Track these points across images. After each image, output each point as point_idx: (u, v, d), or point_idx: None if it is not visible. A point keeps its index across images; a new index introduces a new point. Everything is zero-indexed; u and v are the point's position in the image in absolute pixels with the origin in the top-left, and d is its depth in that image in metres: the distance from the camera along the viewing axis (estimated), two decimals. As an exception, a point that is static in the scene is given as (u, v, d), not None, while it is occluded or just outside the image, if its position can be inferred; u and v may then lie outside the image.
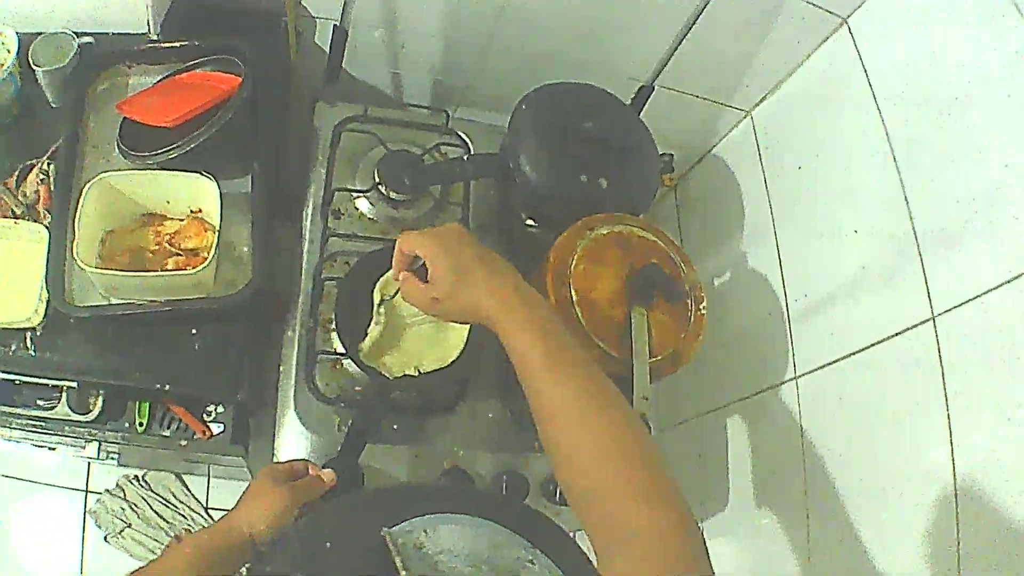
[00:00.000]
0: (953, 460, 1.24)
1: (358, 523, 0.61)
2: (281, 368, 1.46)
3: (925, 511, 1.28)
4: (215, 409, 1.69)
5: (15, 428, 1.61)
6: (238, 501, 1.08)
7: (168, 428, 1.65)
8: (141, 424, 1.62)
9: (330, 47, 1.52)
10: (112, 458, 1.72)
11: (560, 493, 1.47)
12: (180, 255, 1.44)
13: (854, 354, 1.47)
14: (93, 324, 1.39)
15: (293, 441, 1.41)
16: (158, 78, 1.49)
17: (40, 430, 1.59)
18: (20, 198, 1.42)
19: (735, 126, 1.86)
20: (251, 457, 1.68)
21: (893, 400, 1.38)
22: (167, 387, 1.42)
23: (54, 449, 1.72)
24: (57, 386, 1.61)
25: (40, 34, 1.43)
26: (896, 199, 1.41)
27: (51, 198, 1.42)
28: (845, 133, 1.57)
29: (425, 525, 0.58)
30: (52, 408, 1.59)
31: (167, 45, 1.48)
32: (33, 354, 1.39)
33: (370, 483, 1.40)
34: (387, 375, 1.35)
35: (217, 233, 1.37)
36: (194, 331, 1.43)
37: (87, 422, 1.58)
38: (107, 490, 2.19)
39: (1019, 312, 1.17)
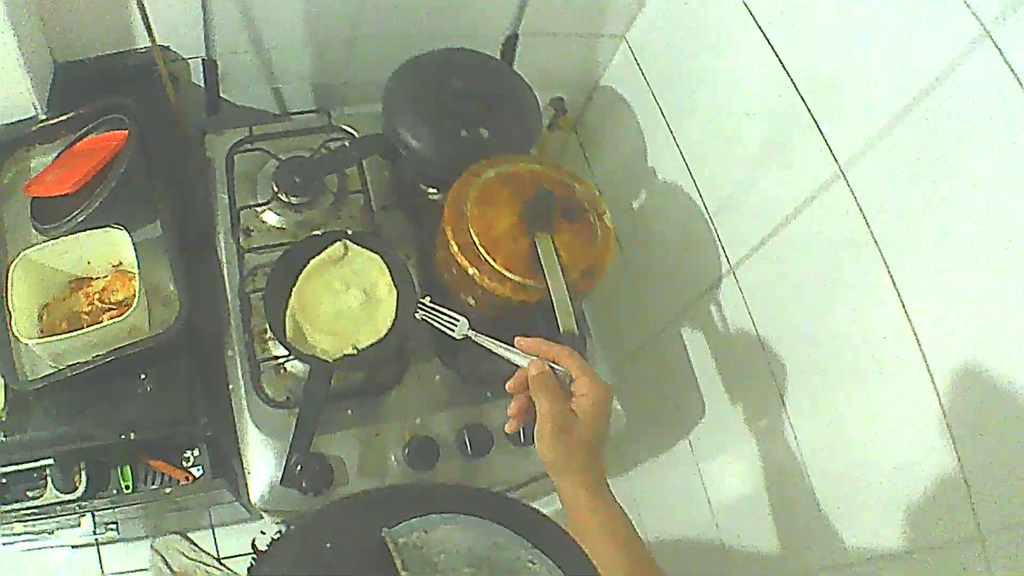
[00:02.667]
0: (904, 305, 1.26)
1: (358, 523, 0.61)
2: (231, 387, 1.51)
3: (893, 369, 1.31)
4: (192, 454, 1.76)
5: (13, 522, 1.67)
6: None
7: (152, 483, 1.72)
8: (127, 487, 1.69)
9: (204, 80, 1.60)
10: (111, 530, 1.78)
11: (526, 433, 1.51)
12: (113, 308, 1.50)
13: (778, 230, 1.51)
14: (51, 395, 1.44)
15: (258, 450, 1.46)
16: (57, 152, 1.56)
17: (36, 518, 1.65)
18: (-47, 298, 1.49)
19: (614, 54, 1.90)
20: (241, 491, 1.74)
21: (829, 264, 1.42)
22: (132, 435, 1.47)
23: (53, 533, 1.77)
24: (40, 473, 1.69)
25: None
26: (775, 72, 1.45)
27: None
28: (714, 28, 1.61)
29: (425, 525, 0.58)
30: (41, 495, 1.67)
31: (55, 121, 1.54)
32: (4, 439, 1.45)
33: (339, 473, 1.45)
34: (327, 359, 1.41)
35: (138, 275, 1.43)
36: (142, 375, 1.48)
37: (76, 499, 1.65)
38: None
39: (923, 141, 1.19)
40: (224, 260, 1.57)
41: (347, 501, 0.66)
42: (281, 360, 1.49)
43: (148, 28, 1.50)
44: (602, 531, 1.09)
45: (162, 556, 2.24)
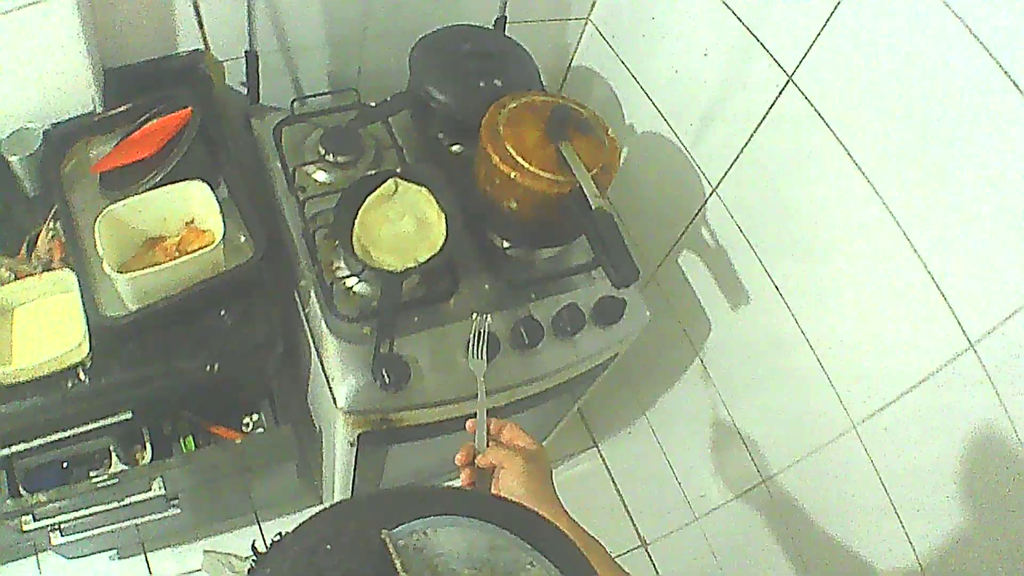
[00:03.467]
0: (869, 181, 1.51)
1: (357, 525, 0.60)
2: (307, 311, 1.69)
3: (869, 237, 1.54)
4: (251, 419, 1.89)
5: (83, 497, 1.75)
6: None
7: (217, 448, 1.84)
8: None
9: (247, 70, 1.83)
10: (174, 507, 1.85)
11: (570, 323, 1.74)
12: (191, 256, 1.66)
13: (747, 144, 1.77)
14: (135, 335, 1.57)
15: (339, 358, 1.62)
16: (114, 143, 1.75)
17: (106, 487, 1.74)
18: (35, 261, 1.62)
19: (582, 34, 2.21)
20: (305, 447, 1.87)
21: (795, 161, 1.68)
22: (216, 365, 1.61)
23: (121, 502, 1.82)
24: (102, 452, 1.79)
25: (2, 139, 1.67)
26: (718, 8, 1.74)
27: (64, 247, 1.62)
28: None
29: (425, 527, 0.58)
30: (107, 470, 1.76)
31: (114, 112, 1.73)
32: (89, 384, 1.54)
33: (415, 369, 1.62)
34: (393, 270, 1.61)
35: (220, 210, 1.59)
36: (222, 312, 1.64)
37: (144, 467, 1.76)
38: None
39: (861, 31, 1.44)
40: (287, 212, 1.77)
41: (347, 503, 0.68)
42: (349, 284, 1.68)
43: (202, 30, 1.73)
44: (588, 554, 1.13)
45: (220, 559, 2.27)
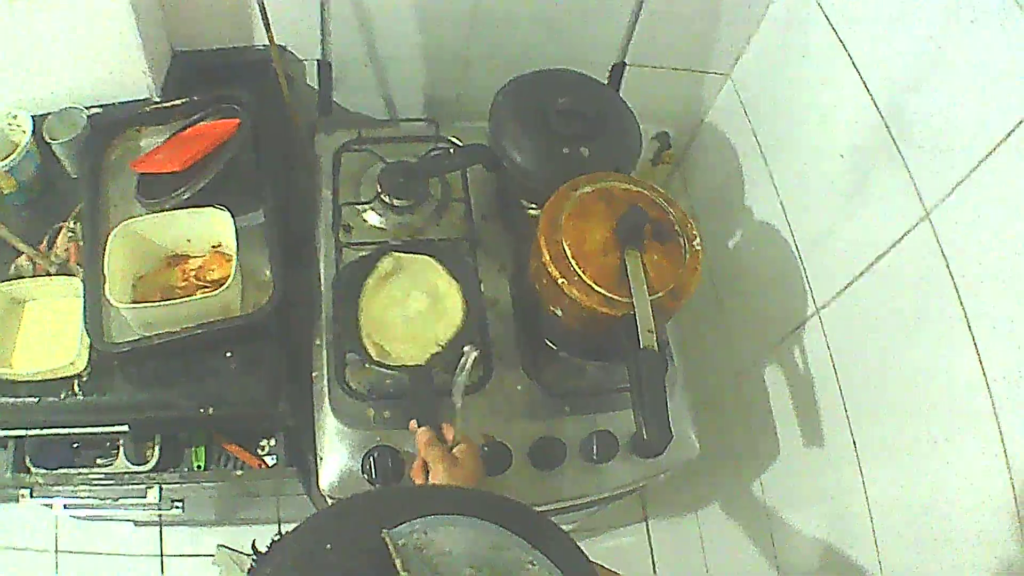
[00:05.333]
0: (979, 355, 1.24)
1: (358, 524, 0.61)
2: (314, 374, 1.54)
3: (965, 420, 1.28)
4: (268, 443, 1.79)
5: (80, 487, 1.70)
6: None
7: (227, 467, 1.75)
8: (199, 466, 1.73)
9: (319, 82, 1.65)
10: (177, 508, 1.80)
11: (599, 451, 1.52)
12: (207, 287, 1.54)
13: (864, 272, 1.49)
14: (134, 360, 1.48)
15: (334, 438, 1.48)
16: (167, 136, 1.63)
17: (103, 484, 1.69)
18: (53, 259, 1.55)
19: (720, 90, 1.92)
20: (312, 484, 1.76)
21: (910, 310, 1.39)
22: (210, 409, 1.49)
23: (117, 502, 1.79)
24: (113, 441, 1.73)
25: (50, 114, 1.58)
26: (867, 111, 1.46)
27: (80, 252, 1.54)
28: (813, 68, 1.63)
29: (425, 526, 0.58)
30: (111, 464, 1.70)
31: (169, 104, 1.61)
32: (82, 398, 1.48)
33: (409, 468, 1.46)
34: (418, 363, 1.45)
35: (236, 254, 1.47)
36: (228, 353, 1.52)
37: (147, 471, 1.69)
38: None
39: (1008, 183, 1.18)
40: (322, 253, 1.61)
41: (347, 502, 0.66)
42: (352, 350, 1.50)
43: (267, 26, 1.56)
44: None
45: (232, 557, 2.25)
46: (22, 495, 1.72)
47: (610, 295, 1.37)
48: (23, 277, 1.54)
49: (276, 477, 1.72)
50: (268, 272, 1.55)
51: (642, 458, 1.56)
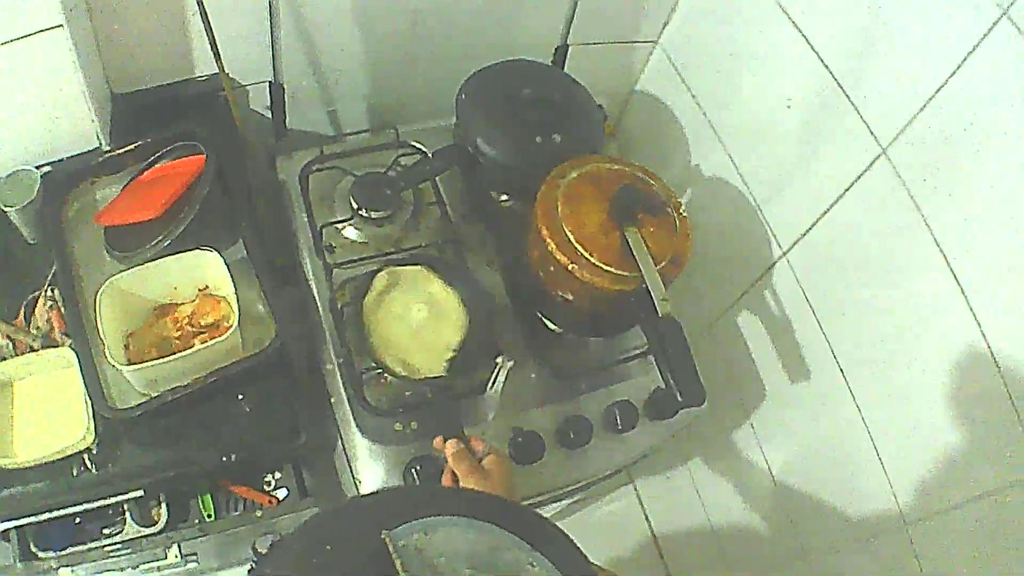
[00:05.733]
0: (950, 266, 1.35)
1: (358, 525, 0.61)
2: (333, 400, 1.53)
3: (944, 329, 1.39)
4: (273, 477, 1.75)
5: (94, 562, 1.63)
6: None
7: (236, 510, 1.71)
8: (210, 516, 1.67)
9: (271, 104, 1.61)
10: (192, 561, 1.75)
11: (622, 420, 1.58)
12: (203, 331, 1.50)
13: (827, 211, 1.59)
14: (145, 423, 1.42)
15: (368, 459, 1.48)
16: (124, 184, 1.56)
17: (120, 553, 1.61)
18: (34, 331, 1.47)
19: (649, 58, 1.97)
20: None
21: (878, 240, 1.50)
22: (232, 456, 1.46)
23: (137, 569, 1.73)
24: (117, 509, 1.65)
25: (-1, 178, 1.48)
26: (810, 61, 1.54)
27: (64, 320, 1.47)
28: (746, 25, 1.69)
29: (425, 527, 0.58)
30: (120, 532, 1.64)
31: (122, 151, 1.54)
32: (96, 472, 1.42)
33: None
34: (439, 373, 1.47)
35: (235, 295, 1.43)
36: (240, 396, 1.49)
37: (159, 532, 1.63)
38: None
39: (961, 113, 1.27)
40: (312, 277, 1.59)
41: (348, 504, 0.67)
42: (380, 369, 1.50)
43: (216, 55, 1.50)
44: None
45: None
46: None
47: (620, 272, 1.42)
48: (5, 358, 1.45)
49: (296, 510, 1.69)
50: (261, 306, 1.51)
51: (661, 420, 1.63)
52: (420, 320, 1.51)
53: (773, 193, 1.72)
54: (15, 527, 1.51)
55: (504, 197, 1.68)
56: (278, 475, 1.74)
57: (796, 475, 1.88)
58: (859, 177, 1.49)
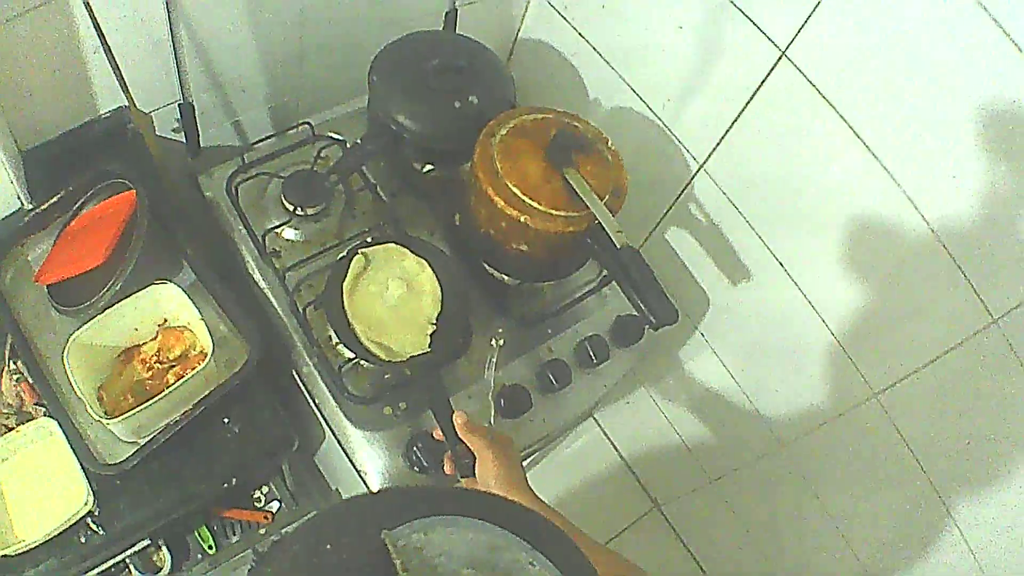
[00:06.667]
0: (865, 144, 1.45)
1: (358, 525, 0.60)
2: (317, 401, 1.54)
3: (871, 204, 1.50)
4: (262, 493, 1.75)
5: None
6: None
7: (234, 534, 1.71)
8: (211, 547, 1.66)
9: (183, 124, 1.58)
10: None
11: (595, 354, 1.65)
12: (174, 365, 1.48)
13: (737, 119, 1.66)
14: (139, 470, 1.40)
15: (368, 449, 1.50)
16: (53, 238, 1.52)
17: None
18: (6, 409, 1.43)
19: (527, 5, 2.00)
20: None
21: (792, 133, 1.58)
22: (233, 480, 1.47)
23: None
24: (119, 568, 1.62)
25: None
26: None
27: (35, 390, 1.43)
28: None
29: (425, 527, 0.57)
30: (129, 580, 1.62)
31: (45, 205, 1.49)
32: (103, 533, 1.40)
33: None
34: (425, 350, 1.49)
35: (205, 322, 1.42)
36: (226, 420, 1.49)
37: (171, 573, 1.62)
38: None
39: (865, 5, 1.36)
40: (264, 285, 1.58)
41: (347, 503, 0.67)
42: (356, 359, 1.52)
43: (124, 87, 1.46)
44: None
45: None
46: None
47: (570, 214, 1.48)
48: (-22, 445, 1.40)
49: (296, 518, 1.70)
50: (223, 326, 1.51)
51: (629, 346, 1.70)
52: (398, 296, 1.52)
53: (679, 111, 1.78)
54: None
55: (428, 167, 1.69)
56: (265, 490, 1.75)
57: (754, 369, 1.98)
58: (763, 81, 1.57)
